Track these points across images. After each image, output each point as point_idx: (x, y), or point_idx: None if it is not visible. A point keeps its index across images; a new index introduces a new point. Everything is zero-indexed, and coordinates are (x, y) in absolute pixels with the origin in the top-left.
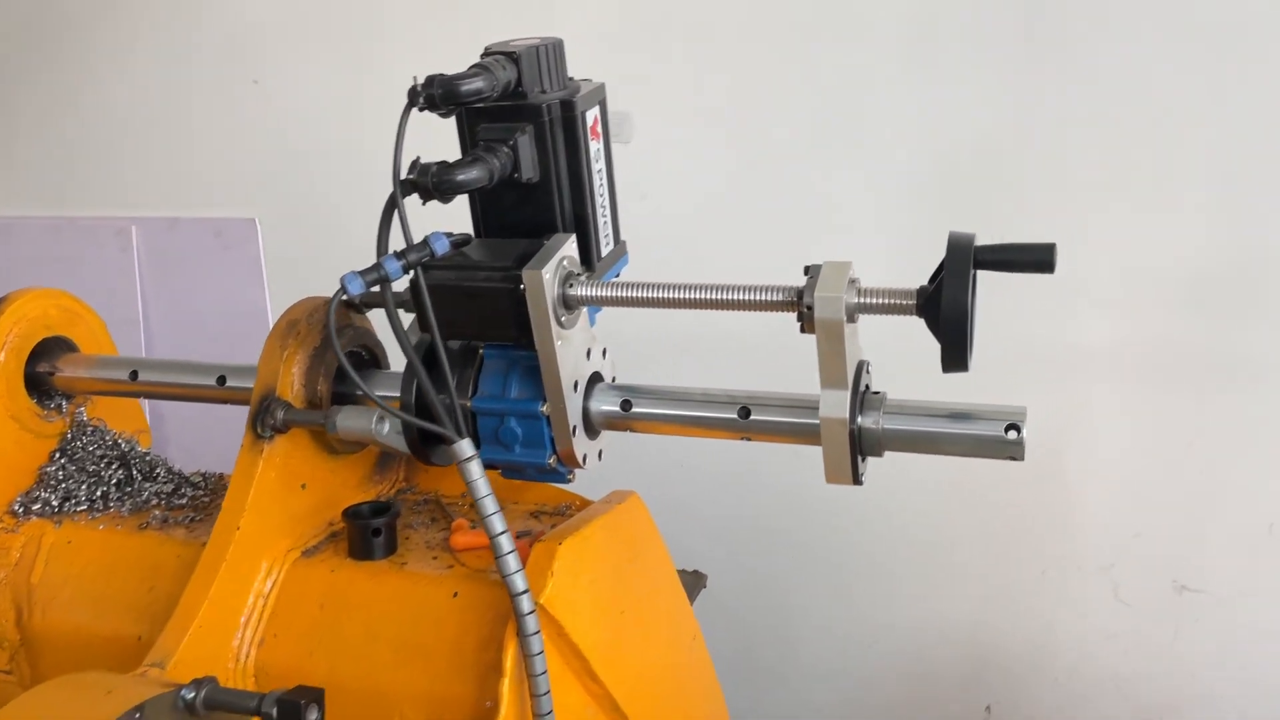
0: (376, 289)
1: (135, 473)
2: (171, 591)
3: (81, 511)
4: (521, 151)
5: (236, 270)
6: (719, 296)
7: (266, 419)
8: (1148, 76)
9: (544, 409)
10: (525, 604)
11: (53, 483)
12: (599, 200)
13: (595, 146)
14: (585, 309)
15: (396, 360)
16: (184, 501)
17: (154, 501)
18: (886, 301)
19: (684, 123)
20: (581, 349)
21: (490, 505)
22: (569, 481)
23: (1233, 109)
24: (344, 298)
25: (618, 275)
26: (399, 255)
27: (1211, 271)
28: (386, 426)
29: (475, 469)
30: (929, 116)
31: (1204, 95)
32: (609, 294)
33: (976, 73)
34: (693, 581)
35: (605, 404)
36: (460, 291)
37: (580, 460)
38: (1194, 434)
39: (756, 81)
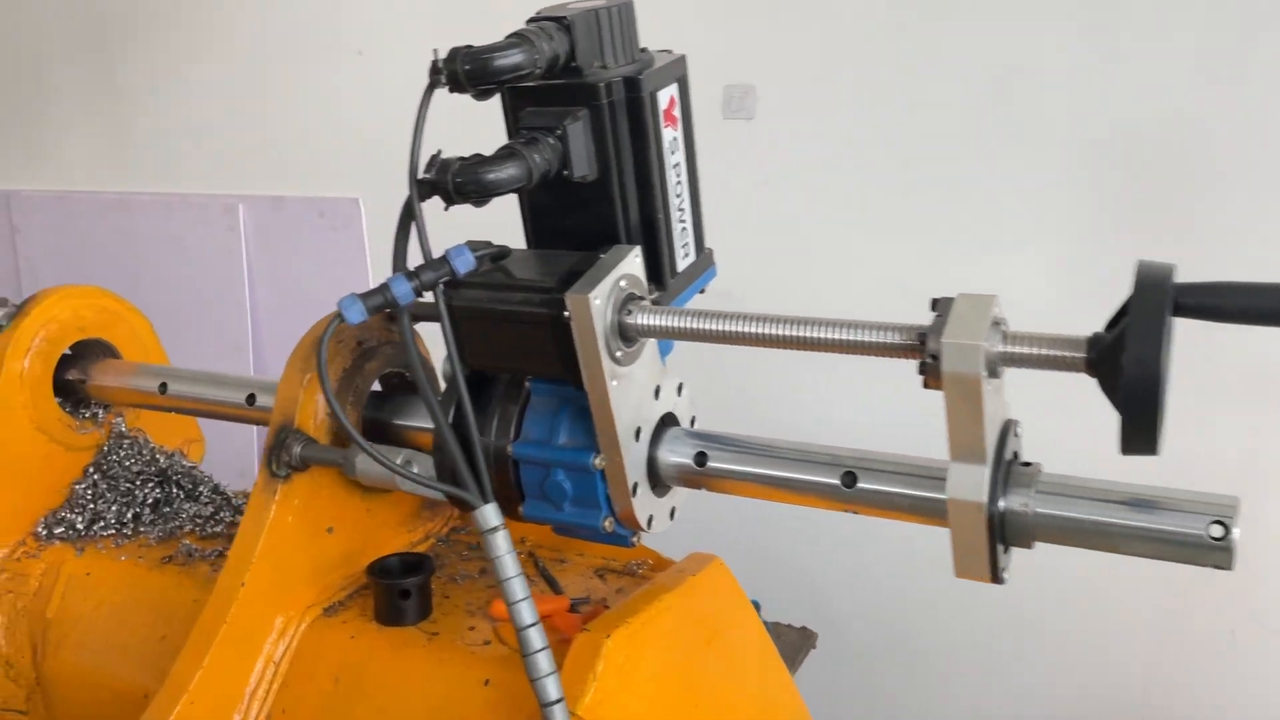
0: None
1: (176, 490)
2: (182, 644)
3: (108, 536)
4: (573, 142)
5: (340, 251)
6: (817, 334)
7: (282, 455)
8: None
9: (597, 462)
10: (559, 716)
11: (81, 502)
12: (674, 202)
13: (671, 135)
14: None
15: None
16: (219, 529)
17: (188, 527)
18: (1043, 352)
19: (807, 108)
20: (647, 388)
21: (518, 590)
22: (633, 545)
23: None
24: (341, 321)
25: (701, 291)
26: (412, 274)
27: None
28: (415, 468)
29: (501, 542)
30: (1108, 101)
31: None
32: (677, 324)
33: (1168, 47)
34: (799, 641)
35: (676, 455)
36: (494, 317)
37: (644, 523)
38: None
39: (894, 56)
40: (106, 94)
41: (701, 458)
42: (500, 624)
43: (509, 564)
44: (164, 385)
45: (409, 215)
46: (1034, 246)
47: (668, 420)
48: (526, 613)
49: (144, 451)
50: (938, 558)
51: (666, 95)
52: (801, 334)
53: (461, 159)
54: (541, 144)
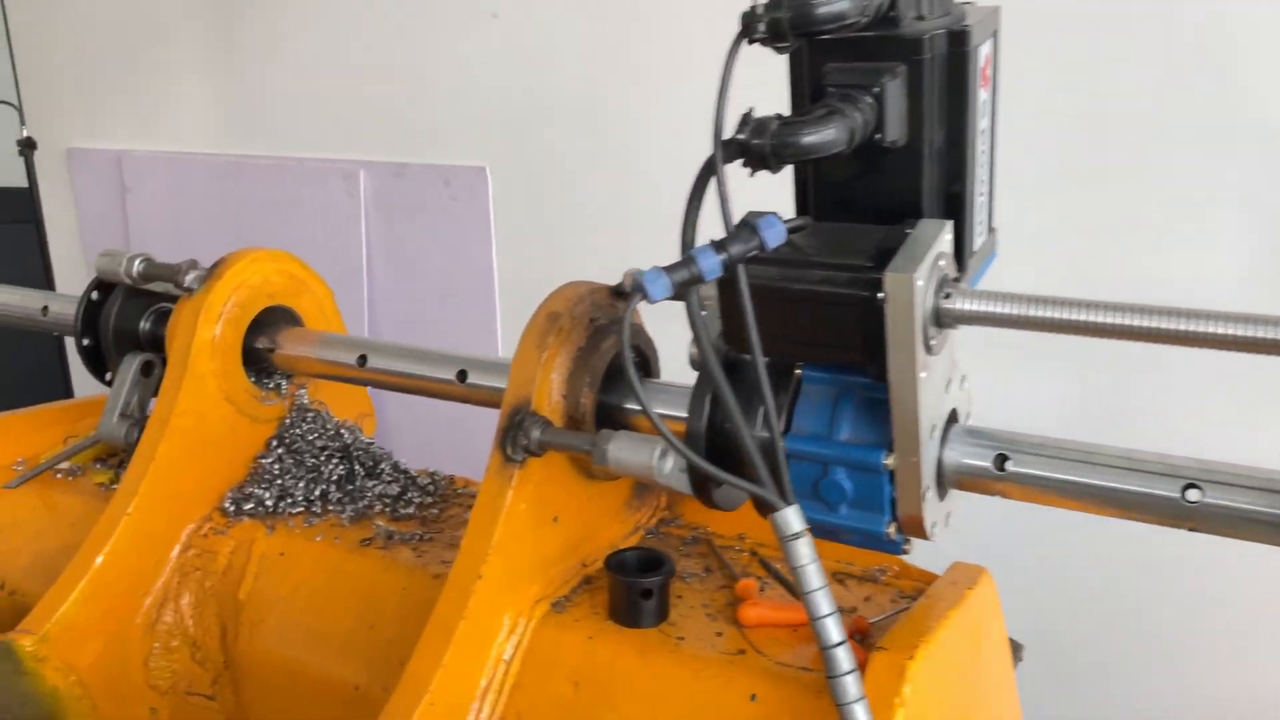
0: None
1: (357, 467)
2: (394, 634)
3: (298, 514)
4: (889, 103)
5: (464, 222)
6: (1206, 330)
7: (519, 438)
8: None
9: (889, 461)
10: None
11: (268, 477)
12: (979, 173)
13: (983, 97)
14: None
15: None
16: (410, 511)
17: (377, 507)
18: None
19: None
20: (943, 381)
21: (823, 604)
22: (905, 554)
23: None
24: (642, 299)
25: (983, 277)
26: (717, 246)
27: None
28: (670, 463)
29: (804, 550)
30: None
31: None
32: (1008, 311)
33: None
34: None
35: (968, 456)
36: (788, 298)
37: (929, 530)
38: None
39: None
40: (224, 54)
41: (1001, 460)
42: (749, 630)
43: (813, 575)
44: (364, 358)
45: (706, 180)
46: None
47: (950, 418)
48: (833, 629)
49: (327, 425)
50: (1141, 561)
51: (984, 53)
52: (1188, 329)
53: (779, 118)
54: (858, 104)
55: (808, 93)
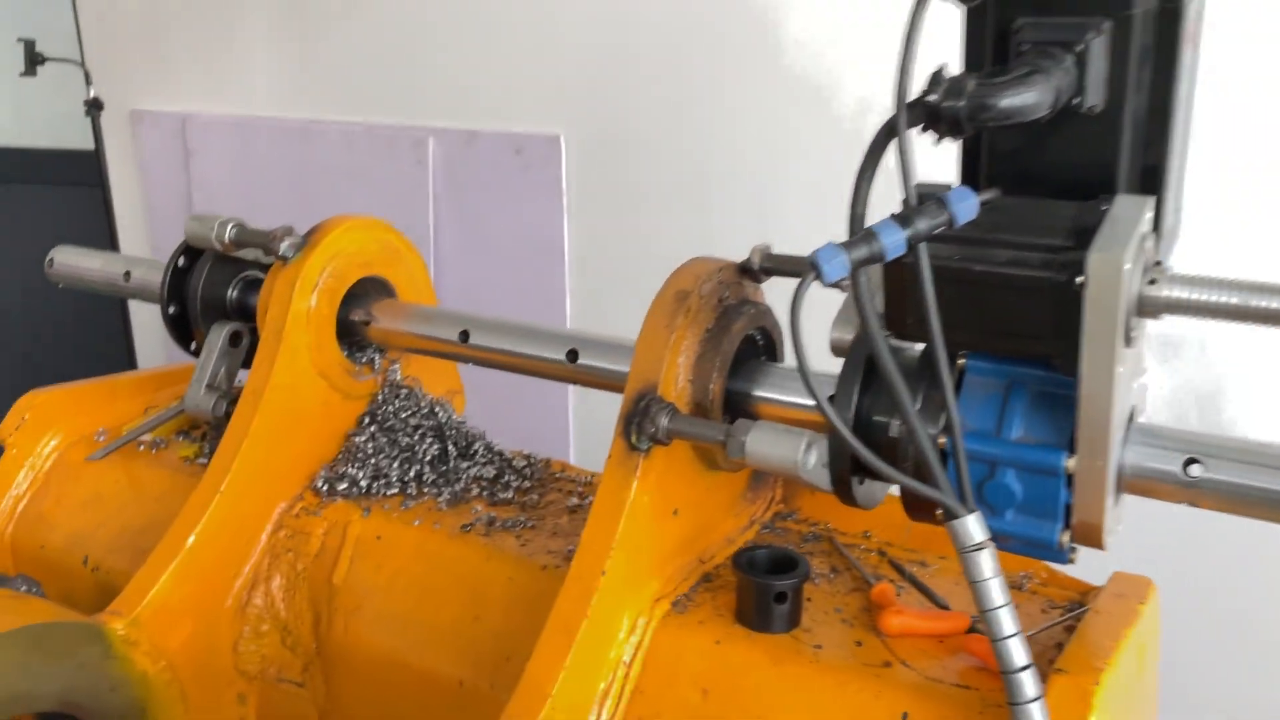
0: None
1: (451, 447)
2: (499, 628)
3: (393, 495)
4: (1091, 64)
5: (535, 192)
6: None
7: (645, 425)
8: None
9: (1070, 463)
10: None
11: (361, 456)
12: (1178, 146)
13: (1188, 59)
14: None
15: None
16: (509, 495)
17: (474, 490)
18: None
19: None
20: (1133, 377)
21: (1007, 623)
22: (1069, 563)
23: None
24: (817, 282)
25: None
26: (901, 220)
27: None
28: (815, 458)
29: (987, 563)
30: None
31: None
32: (1227, 300)
33: None
34: None
35: (1150, 459)
36: (968, 280)
37: (1106, 540)
38: None
39: None
40: (293, 16)
41: (1188, 463)
42: (892, 640)
43: (996, 591)
44: (465, 333)
45: (883, 147)
46: None
47: (1130, 415)
48: (1018, 652)
49: (420, 403)
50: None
51: (1194, 9)
52: None
53: (975, 77)
54: (1061, 63)
55: (990, 50)
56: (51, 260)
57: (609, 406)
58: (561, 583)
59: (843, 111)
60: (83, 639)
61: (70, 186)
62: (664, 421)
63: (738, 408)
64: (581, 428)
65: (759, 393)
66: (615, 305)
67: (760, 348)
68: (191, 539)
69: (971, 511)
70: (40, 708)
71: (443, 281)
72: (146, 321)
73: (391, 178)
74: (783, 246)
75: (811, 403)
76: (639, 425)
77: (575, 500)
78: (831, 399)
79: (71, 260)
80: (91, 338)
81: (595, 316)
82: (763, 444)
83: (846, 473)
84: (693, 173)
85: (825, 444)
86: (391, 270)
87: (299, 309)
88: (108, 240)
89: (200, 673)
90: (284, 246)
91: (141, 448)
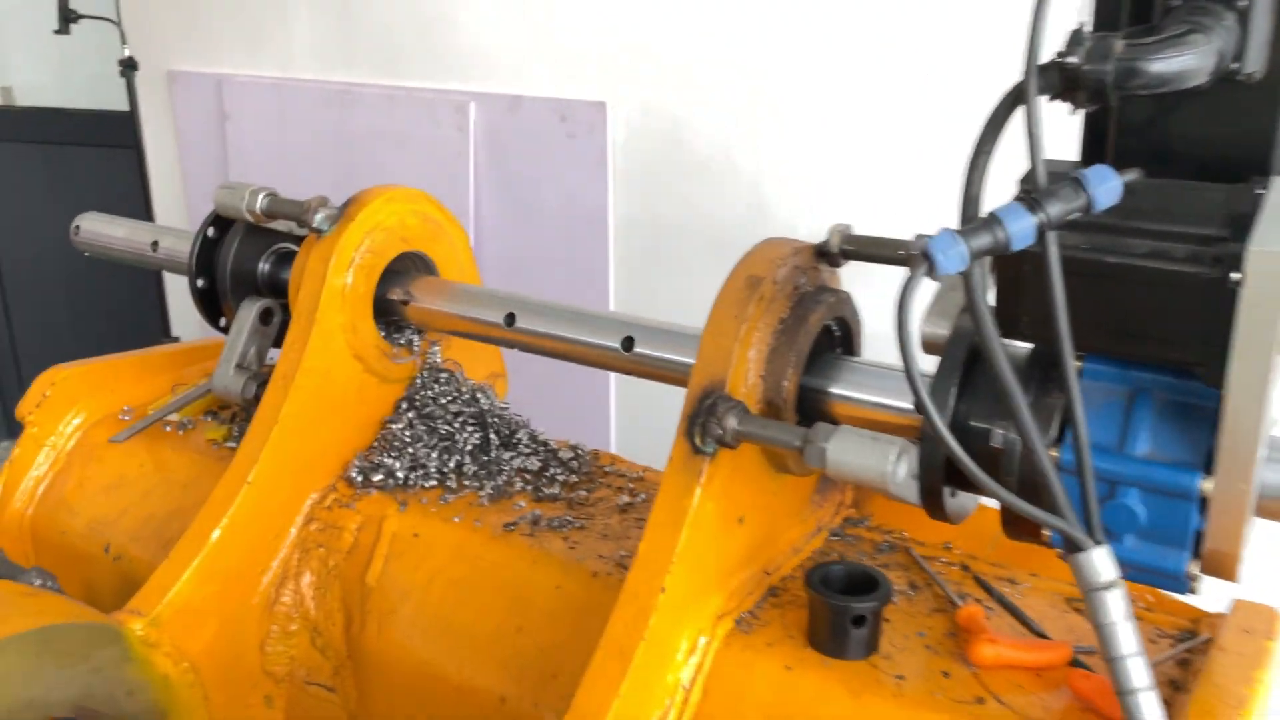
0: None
1: (493, 436)
2: (545, 640)
3: (431, 488)
4: (1254, 24)
5: (580, 160)
6: None
7: (711, 426)
8: None
9: (1207, 485)
10: None
11: (398, 445)
12: None
13: None
14: None
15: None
16: (555, 491)
17: (518, 484)
18: None
19: None
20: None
21: (1138, 674)
22: (1191, 594)
23: None
24: (925, 274)
25: None
26: (1029, 204)
27: None
28: (904, 469)
29: (1117, 604)
30: None
31: None
32: None
33: None
34: None
35: None
36: (1099, 273)
37: (1238, 571)
38: None
39: None
40: None
41: None
42: (984, 672)
43: (1127, 636)
44: (511, 316)
45: (1007, 116)
46: None
47: None
48: (1150, 708)
49: (461, 388)
50: None
51: None
52: None
53: (1128, 38)
54: (1222, 22)
55: (1128, 6)
56: (77, 227)
57: (655, 390)
58: (613, 593)
59: (910, 78)
60: (99, 640)
61: (106, 148)
62: (732, 423)
63: (812, 407)
64: (624, 411)
65: (836, 390)
66: (662, 280)
67: (836, 339)
68: (216, 533)
69: (1100, 544)
70: (52, 714)
71: (483, 251)
72: (182, 288)
73: (432, 143)
74: (853, 225)
75: (896, 404)
76: (704, 426)
77: (626, 498)
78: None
79: (97, 228)
80: (128, 303)
81: (641, 291)
82: (847, 452)
83: (939, 485)
84: (745, 142)
85: (915, 453)
86: (432, 245)
87: (334, 287)
88: (143, 205)
89: (225, 675)
90: (318, 219)
91: (168, 429)
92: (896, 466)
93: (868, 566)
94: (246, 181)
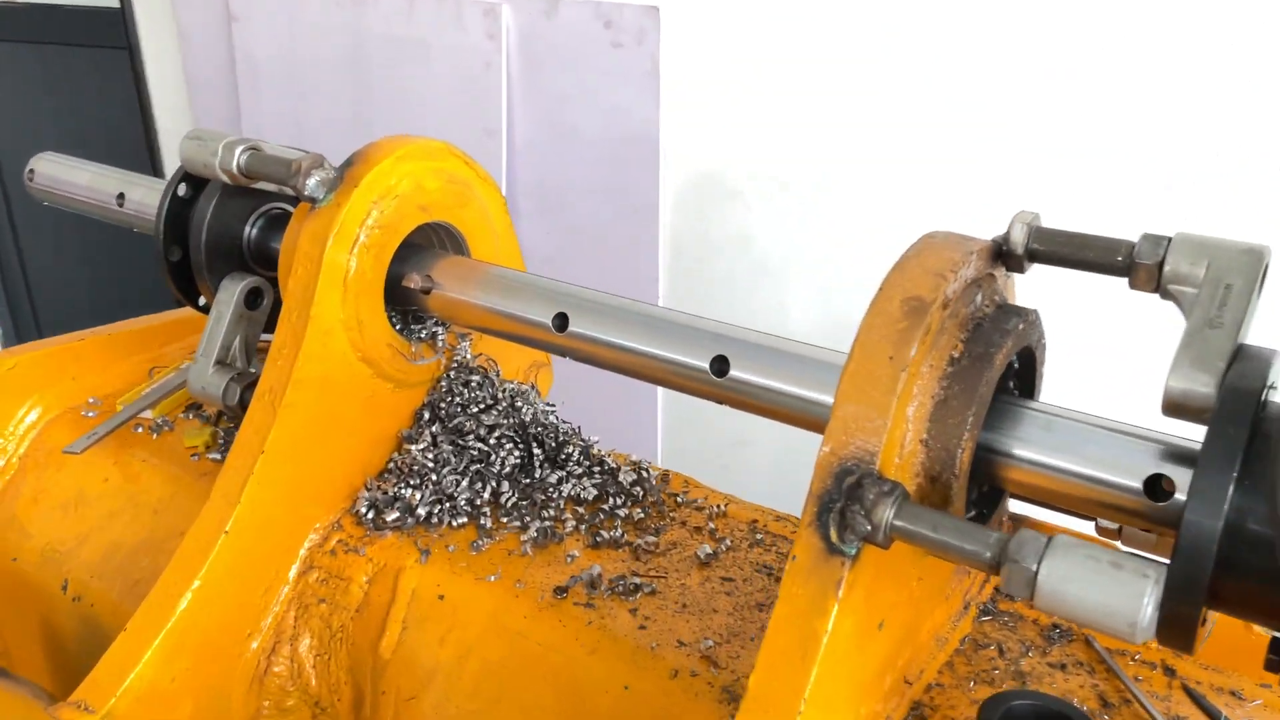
0: None
1: (536, 450)
2: None
3: (459, 527)
4: None
5: (626, 74)
6: None
7: (856, 518)
8: None
9: None
10: None
11: (418, 470)
12: None
13: None
14: None
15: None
16: (616, 533)
17: (569, 522)
18: None
19: None
20: None
21: None
22: None
23: None
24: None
25: None
26: None
27: None
28: (1153, 607)
29: None
30: None
31: None
32: None
33: None
34: None
35: None
36: None
37: None
38: None
39: None
40: None
41: None
42: None
43: None
44: (563, 318)
45: None
46: None
47: None
48: None
49: (498, 394)
50: None
51: None
52: None
53: None
54: None
55: None
56: (32, 171)
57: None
58: (701, 703)
59: None
60: None
61: (95, 49)
62: (887, 514)
63: (991, 475)
64: (672, 410)
65: (1023, 453)
66: (719, 215)
67: (1010, 371)
68: (186, 599)
69: None
70: None
71: (514, 178)
72: None
73: (458, 53)
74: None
75: (1106, 477)
76: (845, 517)
77: (708, 546)
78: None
79: (55, 173)
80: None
81: (694, 231)
82: (1072, 582)
83: (1196, 613)
84: (820, 57)
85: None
86: (459, 213)
87: (333, 273)
88: (139, 118)
89: None
90: (310, 184)
91: (140, 429)
92: (1146, 605)
93: (1065, 704)
94: (218, 130)
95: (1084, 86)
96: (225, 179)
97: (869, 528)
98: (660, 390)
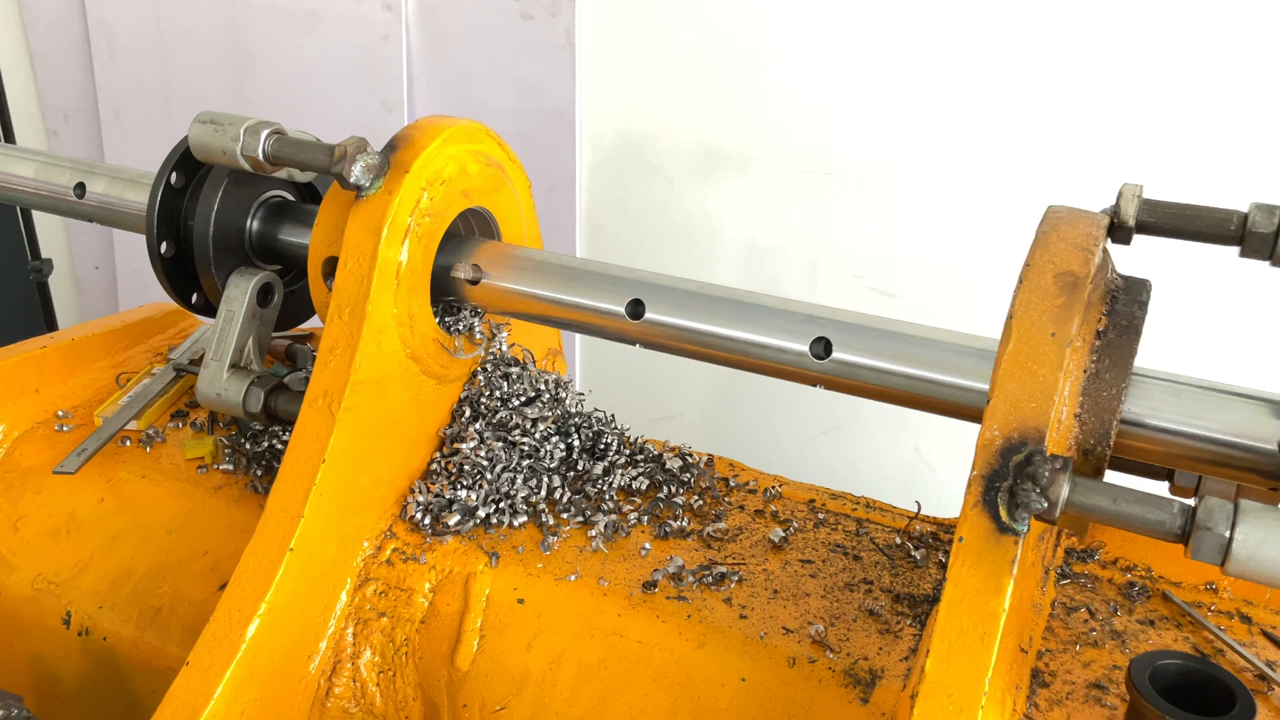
0: None
1: (575, 441)
2: None
3: (520, 527)
4: None
5: (539, 50)
6: None
7: (1028, 495)
8: None
9: None
10: None
11: (471, 470)
12: None
13: None
14: None
15: None
16: (680, 522)
17: (631, 516)
18: None
19: None
20: None
21: None
22: None
23: None
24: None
25: None
26: None
27: None
28: None
29: None
30: None
31: None
32: None
33: None
34: None
35: None
36: None
37: None
38: None
39: None
40: None
41: None
42: None
43: None
44: (638, 305)
45: None
46: None
47: None
48: None
49: (540, 386)
50: None
51: None
52: None
53: None
54: None
55: None
56: None
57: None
58: (825, 688)
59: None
60: None
61: None
62: (1062, 491)
63: (1121, 447)
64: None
65: (1152, 421)
66: (640, 195)
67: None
68: (255, 625)
69: None
70: None
71: None
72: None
73: (352, 24)
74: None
75: (1231, 439)
76: (1017, 494)
77: (779, 530)
78: None
79: None
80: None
81: (613, 212)
82: (1271, 545)
83: None
84: (747, 22)
85: None
86: (494, 197)
87: (387, 266)
88: None
89: None
90: (357, 171)
91: (126, 442)
92: None
93: (1215, 668)
94: (237, 113)
95: (1082, 79)
96: (247, 165)
97: (1044, 505)
98: (578, 364)
